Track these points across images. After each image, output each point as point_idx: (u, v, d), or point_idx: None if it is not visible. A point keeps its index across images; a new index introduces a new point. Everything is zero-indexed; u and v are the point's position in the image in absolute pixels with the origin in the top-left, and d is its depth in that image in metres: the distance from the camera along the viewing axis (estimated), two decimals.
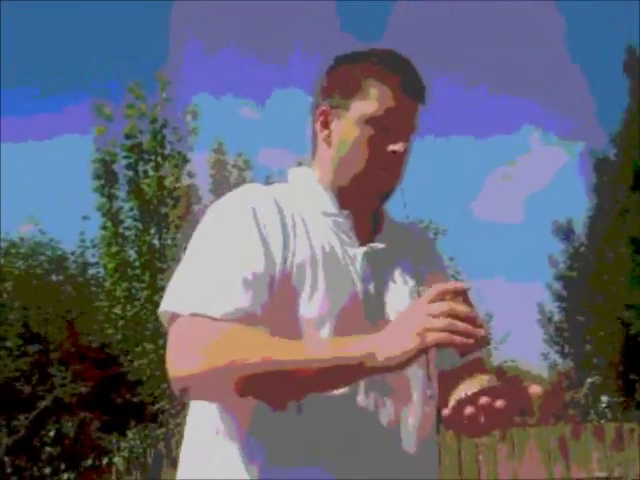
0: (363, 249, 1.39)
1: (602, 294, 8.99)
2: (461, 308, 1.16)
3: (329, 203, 1.42)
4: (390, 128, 1.37)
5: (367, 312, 1.35)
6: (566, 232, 10.94)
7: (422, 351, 1.17)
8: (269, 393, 1.25)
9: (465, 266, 11.78)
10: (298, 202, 1.40)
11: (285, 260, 1.31)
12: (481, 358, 1.47)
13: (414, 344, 1.16)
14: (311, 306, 1.30)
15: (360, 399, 1.30)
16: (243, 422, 1.30)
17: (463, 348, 1.17)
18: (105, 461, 5.49)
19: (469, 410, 1.18)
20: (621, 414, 7.11)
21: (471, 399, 1.19)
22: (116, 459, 5.43)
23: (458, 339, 1.15)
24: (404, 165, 1.41)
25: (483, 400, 1.17)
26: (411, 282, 1.44)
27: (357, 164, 1.38)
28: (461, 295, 1.19)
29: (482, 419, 1.19)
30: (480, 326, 1.16)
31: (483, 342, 1.17)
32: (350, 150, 1.38)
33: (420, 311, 1.18)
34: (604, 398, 8.47)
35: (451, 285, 1.21)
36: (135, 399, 5.44)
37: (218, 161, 6.56)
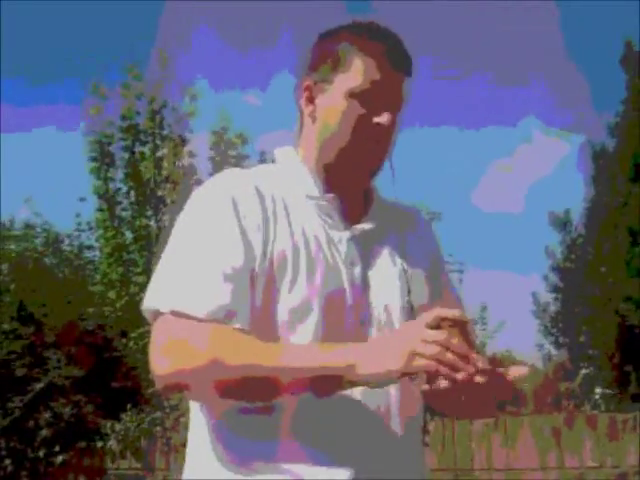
0: (348, 232, 1.37)
1: (599, 286, 8.99)
2: (455, 341, 1.14)
3: (312, 185, 1.40)
4: (375, 101, 1.34)
5: (352, 298, 1.33)
6: (563, 223, 10.94)
7: (405, 375, 1.16)
8: (247, 396, 1.24)
9: (462, 255, 11.77)
10: (281, 186, 1.38)
11: (266, 250, 1.29)
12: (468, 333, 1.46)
13: (398, 366, 1.15)
14: (293, 295, 1.29)
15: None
16: (229, 418, 1.30)
17: (448, 379, 1.14)
18: (100, 444, 5.49)
19: (445, 383, 1.16)
20: (615, 406, 7.12)
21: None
22: (110, 442, 5.44)
23: (444, 370, 1.13)
24: (391, 139, 1.38)
25: (462, 374, 1.15)
26: (400, 262, 1.42)
27: (343, 138, 1.35)
28: (459, 325, 1.17)
29: (461, 396, 1.17)
30: (471, 364, 1.14)
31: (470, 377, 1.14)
32: (335, 124, 1.36)
33: (414, 333, 1.17)
34: (598, 389, 8.50)
35: (451, 313, 1.18)
36: (130, 383, 5.43)
37: (218, 141, 6.50)
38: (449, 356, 1.13)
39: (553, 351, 11.31)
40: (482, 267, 20.37)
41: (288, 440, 1.27)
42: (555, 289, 10.96)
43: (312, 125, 1.40)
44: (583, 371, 9.16)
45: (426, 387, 1.20)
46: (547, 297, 11.28)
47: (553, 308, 11.19)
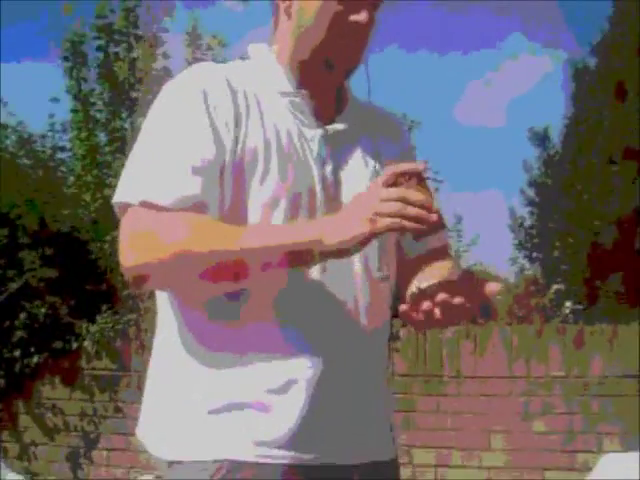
0: (321, 130, 1.35)
1: (574, 202, 9.07)
2: (413, 193, 1.14)
3: (286, 82, 1.37)
4: None
5: (323, 195, 1.33)
6: (541, 139, 10.94)
7: (372, 236, 1.16)
8: (218, 279, 1.24)
9: (439, 167, 11.78)
10: (254, 81, 1.35)
11: (236, 144, 1.28)
12: (446, 245, 1.46)
13: (364, 229, 1.15)
14: (264, 190, 1.28)
15: (313, 276, 1.29)
16: (198, 308, 1.30)
17: (416, 233, 1.15)
18: (75, 345, 5.54)
19: (426, 305, 1.17)
20: (584, 319, 7.27)
21: (429, 293, 1.18)
22: (86, 343, 5.49)
23: (409, 225, 1.13)
24: (368, 38, 1.35)
25: (440, 297, 1.16)
26: (372, 163, 1.41)
27: (318, 34, 1.33)
28: (416, 177, 1.17)
29: (439, 314, 1.18)
30: (434, 211, 1.14)
31: (436, 227, 1.15)
32: (311, 20, 1.33)
33: (372, 195, 1.16)
34: (568, 304, 8.65)
35: (405, 167, 1.18)
36: (105, 285, 5.45)
37: (193, 42, 6.35)
38: (410, 209, 1.13)
39: (527, 265, 11.48)
40: (460, 180, 20.46)
41: (258, 325, 1.28)
42: (531, 203, 11.04)
43: (287, 21, 1.37)
44: (555, 286, 9.31)
45: (404, 307, 1.21)
46: (523, 212, 11.39)
47: (528, 222, 11.30)
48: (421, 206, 1.13)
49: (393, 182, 1.16)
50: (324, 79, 1.37)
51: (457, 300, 1.16)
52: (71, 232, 5.83)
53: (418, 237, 1.17)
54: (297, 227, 1.25)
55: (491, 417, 4.83)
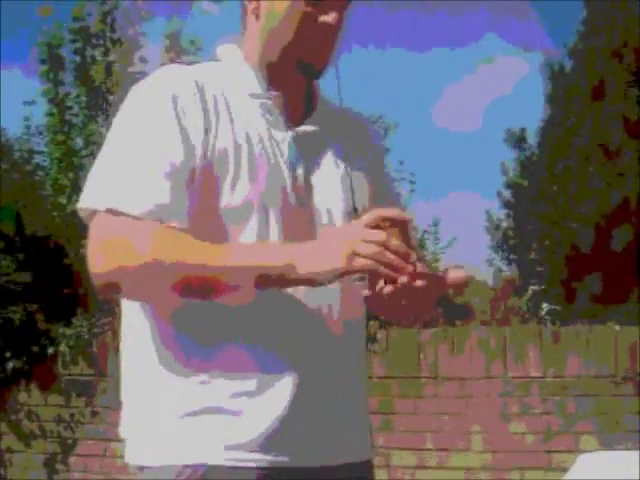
0: (291, 132, 1.35)
1: (551, 203, 9.13)
2: (395, 241, 1.15)
3: (255, 83, 1.36)
4: None
5: (294, 198, 1.32)
6: (518, 140, 11.01)
7: (346, 273, 1.17)
8: (187, 294, 1.24)
9: (416, 169, 11.81)
10: (223, 83, 1.35)
11: (206, 148, 1.27)
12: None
13: (339, 265, 1.16)
14: (235, 194, 1.27)
15: None
16: (167, 319, 1.30)
17: (388, 280, 1.16)
18: (51, 350, 5.49)
19: (387, 289, 1.17)
20: (560, 321, 7.32)
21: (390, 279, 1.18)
22: (62, 348, 5.44)
23: (384, 271, 1.14)
24: (336, 39, 1.34)
25: (402, 279, 1.16)
26: (342, 166, 1.40)
27: (286, 36, 1.32)
28: (399, 225, 1.17)
29: (402, 300, 1.18)
30: (411, 263, 1.15)
31: (410, 277, 1.16)
32: (279, 21, 1.32)
33: (354, 233, 1.16)
34: (545, 305, 8.70)
35: (392, 213, 1.19)
36: (81, 289, 5.41)
37: (172, 46, 6.33)
38: (388, 255, 1.14)
39: (504, 267, 11.54)
40: (436, 183, 20.55)
41: (227, 339, 1.28)
42: (508, 205, 11.10)
43: (255, 22, 1.36)
44: (532, 287, 9.37)
45: (367, 292, 1.21)
46: (500, 214, 11.45)
47: (505, 225, 11.36)
48: (401, 255, 1.14)
49: (376, 225, 1.17)
50: (293, 80, 1.37)
51: (419, 283, 1.16)
52: (47, 236, 5.79)
53: (390, 282, 1.17)
54: (272, 250, 1.24)
55: (469, 418, 4.85)
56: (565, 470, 4.41)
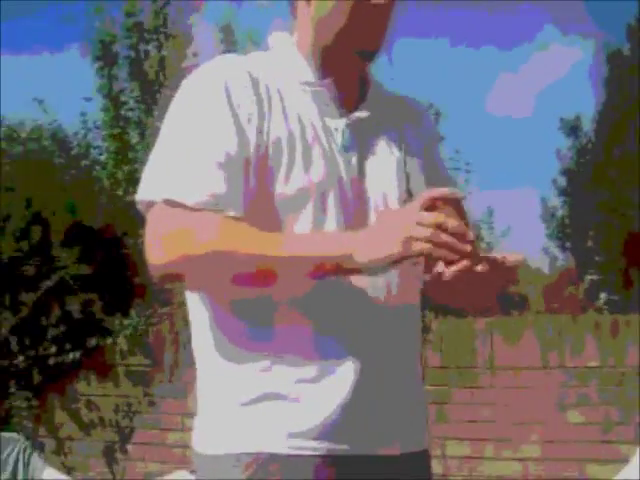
0: (345, 119, 1.34)
1: (608, 190, 8.95)
2: (451, 220, 1.13)
3: (308, 72, 1.35)
4: None
5: (349, 185, 1.31)
6: (573, 127, 10.81)
7: (403, 259, 1.15)
8: (247, 283, 1.25)
9: (470, 158, 11.67)
10: (275, 72, 1.34)
11: (260, 138, 1.27)
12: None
13: (396, 251, 1.15)
14: (289, 183, 1.27)
15: None
16: (226, 307, 1.31)
17: (446, 261, 1.14)
18: (109, 341, 5.58)
19: (448, 273, 1.15)
20: (619, 310, 7.18)
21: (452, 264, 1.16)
22: (119, 339, 5.53)
23: (442, 252, 1.12)
24: (389, 21, 1.33)
25: (463, 263, 1.14)
26: (398, 152, 1.39)
27: (338, 20, 1.30)
28: (453, 203, 1.16)
29: (463, 285, 1.16)
30: (468, 242, 1.13)
31: (469, 257, 1.14)
32: (331, 6, 1.31)
33: (409, 217, 1.15)
34: (603, 294, 8.55)
35: (444, 192, 1.17)
36: (138, 279, 5.49)
37: (226, 39, 6.36)
38: (445, 237, 1.12)
39: (560, 256, 11.36)
40: (491, 172, 20.28)
41: (287, 326, 1.28)
42: (564, 193, 10.92)
43: (307, 8, 1.35)
44: (589, 276, 9.21)
45: (427, 277, 1.20)
46: (555, 202, 11.26)
47: (561, 212, 11.18)
48: (457, 234, 1.12)
49: (429, 206, 1.15)
50: (346, 65, 1.36)
51: (480, 268, 1.14)
52: (105, 228, 5.89)
53: (449, 264, 1.15)
54: (329, 239, 1.24)
55: (525, 408, 4.80)
56: (624, 462, 4.33)
